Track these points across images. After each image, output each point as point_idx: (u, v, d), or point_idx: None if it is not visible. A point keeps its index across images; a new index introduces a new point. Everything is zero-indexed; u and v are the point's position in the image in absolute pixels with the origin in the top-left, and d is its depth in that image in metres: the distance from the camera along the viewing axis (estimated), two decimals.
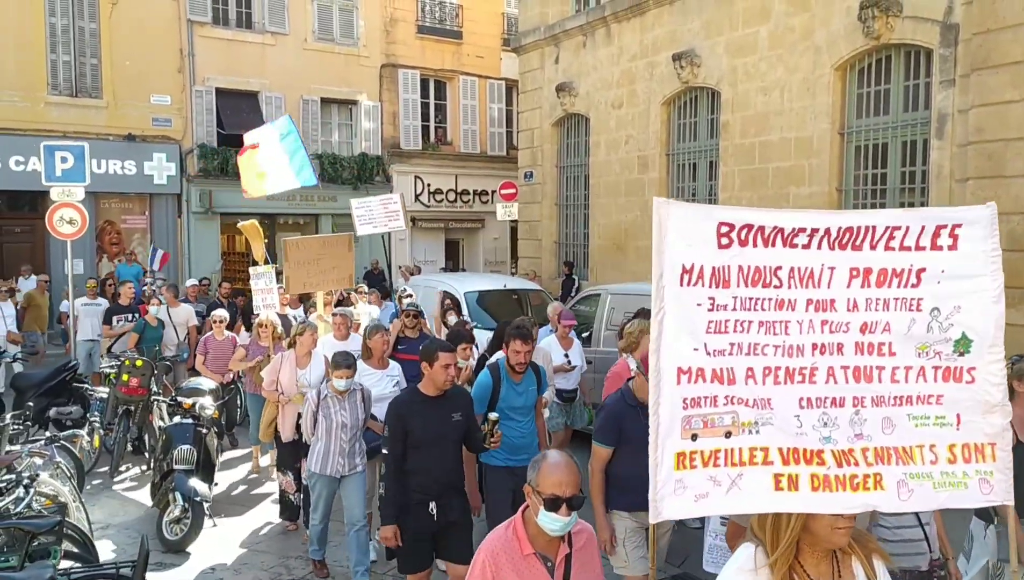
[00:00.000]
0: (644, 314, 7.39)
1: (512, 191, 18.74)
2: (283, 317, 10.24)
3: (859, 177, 11.99)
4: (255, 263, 9.96)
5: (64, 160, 11.48)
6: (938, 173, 10.66)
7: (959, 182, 10.27)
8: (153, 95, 19.19)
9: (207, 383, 8.35)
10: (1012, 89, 9.50)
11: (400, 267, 18.90)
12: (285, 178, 10.26)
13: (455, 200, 24.03)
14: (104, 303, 12.08)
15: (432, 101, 23.75)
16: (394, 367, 6.90)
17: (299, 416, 6.63)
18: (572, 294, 15.03)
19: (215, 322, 9.88)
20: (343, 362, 5.90)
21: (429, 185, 23.53)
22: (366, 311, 10.64)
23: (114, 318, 11.05)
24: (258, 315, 9.39)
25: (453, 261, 24.56)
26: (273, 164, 10.37)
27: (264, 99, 20.65)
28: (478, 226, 24.61)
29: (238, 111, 20.35)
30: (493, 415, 5.01)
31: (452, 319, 9.73)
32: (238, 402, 10.51)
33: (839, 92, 12.05)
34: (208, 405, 7.73)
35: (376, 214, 9.99)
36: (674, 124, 15.42)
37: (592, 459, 4.79)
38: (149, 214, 19.75)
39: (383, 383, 6.60)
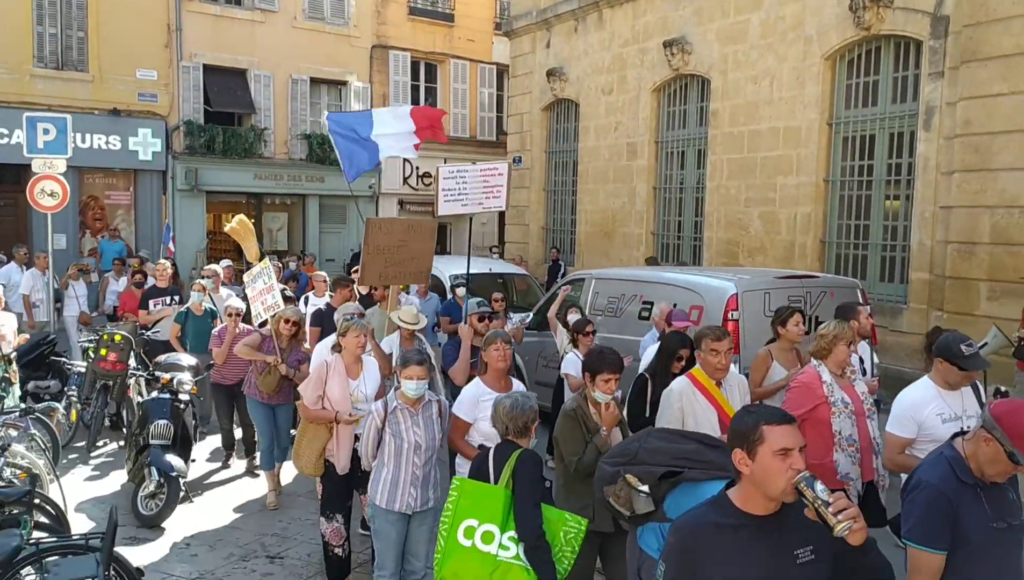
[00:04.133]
0: (844, 311, 6.21)
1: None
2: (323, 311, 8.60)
3: (846, 168, 12.00)
4: (247, 267, 8.17)
5: (46, 132, 11.30)
6: (924, 165, 10.67)
7: (945, 174, 10.29)
8: (139, 70, 18.97)
9: (186, 359, 8.26)
10: (1001, 82, 9.51)
11: None
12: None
13: None
14: (151, 282, 10.92)
15: (422, 84, 23.59)
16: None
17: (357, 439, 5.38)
18: (558, 280, 15.01)
19: (230, 314, 8.15)
20: (414, 358, 4.67)
21: (418, 168, 23.40)
22: (410, 303, 9.26)
23: (150, 302, 9.98)
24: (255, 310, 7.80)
25: (441, 245, 24.50)
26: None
27: (252, 77, 20.46)
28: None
29: (226, 88, 20.19)
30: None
31: (573, 318, 7.60)
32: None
33: (828, 82, 12.05)
34: (186, 381, 7.66)
35: (472, 188, 7.95)
36: (664, 111, 15.38)
37: (914, 575, 3.13)
38: (133, 190, 19.57)
39: None
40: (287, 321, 7.31)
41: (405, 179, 23.16)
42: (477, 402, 5.03)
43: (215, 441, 9.00)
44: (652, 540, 3.32)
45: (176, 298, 10.13)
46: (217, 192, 20.52)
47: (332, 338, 6.25)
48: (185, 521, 6.94)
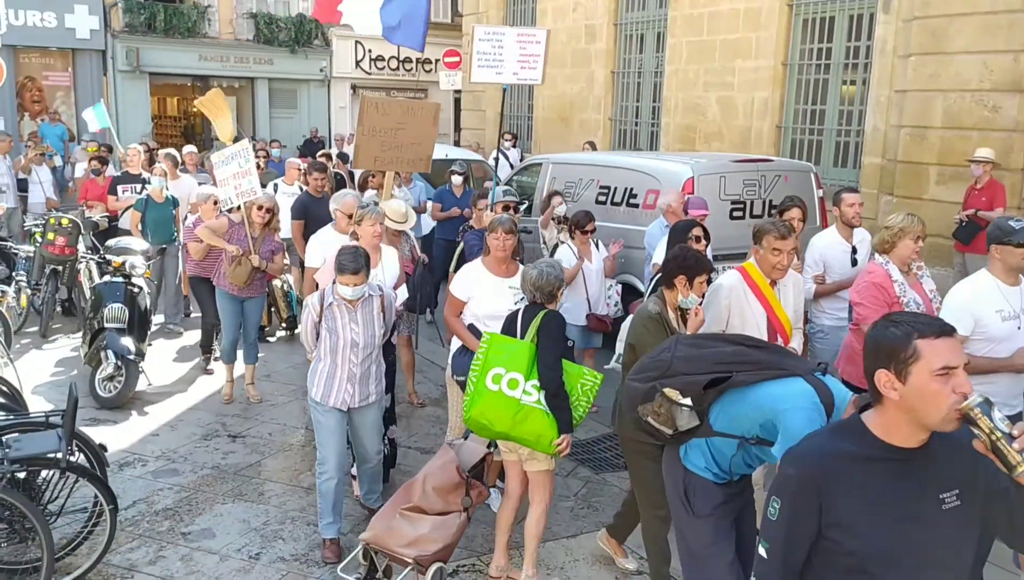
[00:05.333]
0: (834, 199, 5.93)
1: (456, 59, 18.20)
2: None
3: (804, 51, 11.90)
4: (213, 147, 7.91)
5: None
6: (882, 48, 10.62)
7: (901, 58, 10.27)
8: None
9: (137, 243, 8.09)
10: None
11: (337, 138, 18.37)
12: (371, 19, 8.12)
13: (397, 68, 23.29)
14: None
15: None
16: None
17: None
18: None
19: (205, 202, 7.51)
20: (349, 267, 4.40)
21: (371, 51, 22.73)
22: (403, 196, 8.42)
23: (119, 188, 9.50)
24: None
25: None
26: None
27: None
28: (421, 96, 24.00)
29: None
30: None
31: (561, 209, 7.37)
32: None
33: None
34: (139, 264, 7.55)
35: (508, 55, 7.30)
36: None
37: None
38: (72, 71, 18.74)
39: (501, 298, 4.89)
40: (260, 208, 6.82)
41: (358, 62, 22.48)
42: (472, 282, 5.02)
43: (191, 337, 8.96)
44: (699, 459, 3.12)
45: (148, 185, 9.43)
46: (160, 73, 19.75)
47: (327, 229, 6.09)
48: (145, 403, 6.99)
